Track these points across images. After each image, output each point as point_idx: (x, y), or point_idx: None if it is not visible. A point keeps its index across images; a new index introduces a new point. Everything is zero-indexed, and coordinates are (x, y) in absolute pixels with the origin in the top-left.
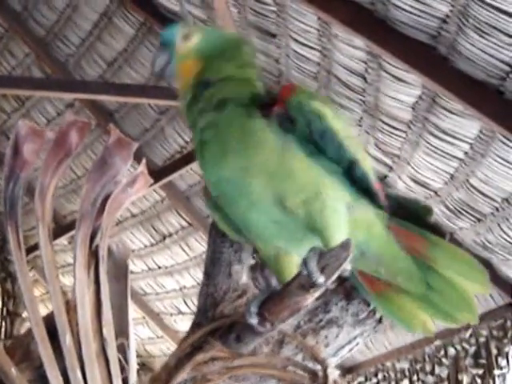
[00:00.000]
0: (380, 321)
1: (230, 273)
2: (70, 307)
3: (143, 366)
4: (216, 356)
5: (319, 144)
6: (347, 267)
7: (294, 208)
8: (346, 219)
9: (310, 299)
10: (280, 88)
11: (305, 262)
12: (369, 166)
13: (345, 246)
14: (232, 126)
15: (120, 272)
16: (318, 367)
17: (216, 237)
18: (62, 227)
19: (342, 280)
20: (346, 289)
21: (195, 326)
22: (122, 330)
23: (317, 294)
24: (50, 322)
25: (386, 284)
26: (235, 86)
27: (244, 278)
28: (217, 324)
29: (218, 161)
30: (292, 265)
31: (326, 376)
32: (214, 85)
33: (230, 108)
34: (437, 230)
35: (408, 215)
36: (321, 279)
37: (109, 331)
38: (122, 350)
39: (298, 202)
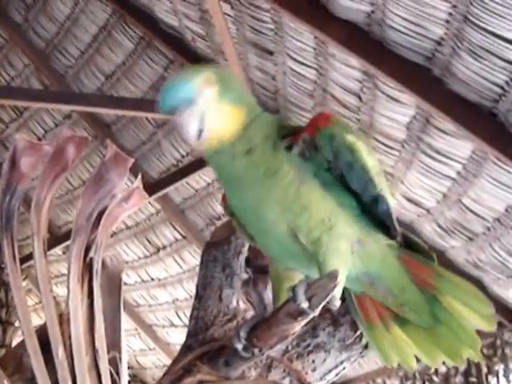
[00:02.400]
0: (366, 346)
1: (221, 297)
2: (63, 320)
3: (135, 378)
4: (204, 379)
5: (343, 175)
6: (336, 302)
7: (303, 239)
8: (349, 255)
9: (298, 327)
10: (315, 115)
11: (293, 291)
12: (392, 202)
13: (332, 276)
14: (256, 163)
15: (113, 285)
16: None
17: (208, 261)
18: (56, 237)
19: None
20: (334, 315)
21: (186, 348)
22: (114, 343)
23: (304, 322)
24: (42, 334)
25: (386, 314)
26: (261, 125)
27: (234, 302)
28: (206, 348)
29: (239, 191)
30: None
31: None
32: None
33: (258, 149)
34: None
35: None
36: (308, 308)
37: (101, 344)
38: (114, 363)
39: (306, 234)
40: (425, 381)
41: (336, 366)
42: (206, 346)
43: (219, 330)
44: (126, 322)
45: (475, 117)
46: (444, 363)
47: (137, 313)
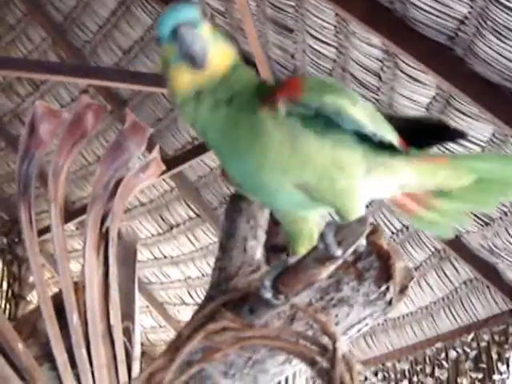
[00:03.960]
0: (390, 303)
1: (245, 248)
2: (78, 287)
3: (145, 355)
4: (227, 326)
5: (335, 120)
6: (363, 242)
7: (314, 192)
8: (360, 191)
9: (325, 273)
10: (286, 80)
11: (322, 236)
12: (390, 131)
13: (362, 221)
14: (240, 124)
15: (128, 256)
16: (328, 342)
17: (232, 212)
18: (70, 213)
19: (354, 260)
20: (358, 269)
21: (208, 298)
22: (128, 314)
23: (332, 267)
24: (57, 301)
25: (425, 197)
26: (239, 78)
27: (258, 254)
28: (230, 296)
29: (232, 159)
30: (311, 229)
31: (335, 349)
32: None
33: (237, 103)
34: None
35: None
36: (338, 252)
37: (115, 313)
38: (127, 333)
39: (316, 186)
40: (435, 366)
41: (359, 322)
42: (229, 294)
43: (243, 280)
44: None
45: (496, 98)
46: (454, 348)
47: (148, 290)
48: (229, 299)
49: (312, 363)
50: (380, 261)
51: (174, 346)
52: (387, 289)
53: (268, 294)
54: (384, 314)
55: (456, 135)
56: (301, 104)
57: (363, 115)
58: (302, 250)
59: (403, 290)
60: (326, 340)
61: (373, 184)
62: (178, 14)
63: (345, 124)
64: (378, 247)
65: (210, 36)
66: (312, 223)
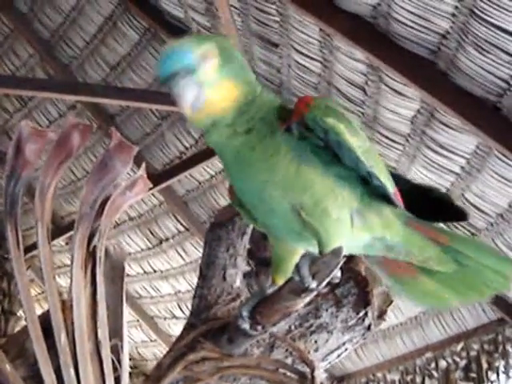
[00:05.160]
0: (369, 328)
1: (225, 276)
2: (66, 306)
3: (135, 369)
4: (207, 356)
5: (337, 152)
6: (338, 274)
7: (305, 215)
8: (348, 227)
9: (301, 304)
10: (297, 100)
11: (297, 268)
12: (386, 177)
13: (336, 253)
14: (256, 147)
15: (116, 274)
16: (307, 370)
17: (212, 241)
18: (59, 228)
19: (332, 287)
20: (336, 296)
21: (189, 326)
22: (116, 331)
23: (307, 299)
24: (45, 321)
25: (411, 269)
26: (261, 106)
27: (238, 282)
28: (210, 325)
29: (242, 176)
30: (293, 264)
31: (313, 378)
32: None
33: (256, 131)
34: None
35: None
36: (313, 284)
37: (103, 331)
38: (116, 350)
39: (307, 211)
40: (425, 376)
41: (338, 347)
42: (209, 323)
43: (222, 308)
44: (128, 314)
45: (480, 111)
46: (444, 358)
47: (139, 304)
48: (208, 329)
49: None
50: (358, 287)
51: (155, 377)
52: (366, 314)
53: (245, 325)
54: (363, 339)
55: (459, 215)
56: (306, 120)
57: (359, 147)
58: (280, 281)
59: (382, 314)
60: (305, 367)
61: (362, 227)
62: (173, 61)
63: (345, 158)
64: (356, 273)
65: (212, 76)
66: (297, 258)
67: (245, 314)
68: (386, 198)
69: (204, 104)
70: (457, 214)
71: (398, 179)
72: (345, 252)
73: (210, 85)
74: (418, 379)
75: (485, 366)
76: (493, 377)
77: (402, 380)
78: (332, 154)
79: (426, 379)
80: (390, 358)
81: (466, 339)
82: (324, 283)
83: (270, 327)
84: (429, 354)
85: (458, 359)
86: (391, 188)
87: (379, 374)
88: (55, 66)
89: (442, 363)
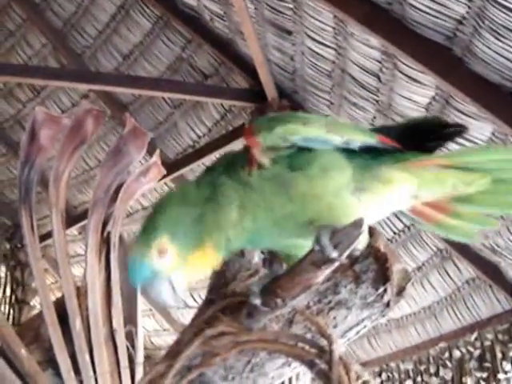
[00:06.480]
0: (388, 305)
1: (243, 252)
2: (81, 292)
3: (148, 358)
4: (225, 331)
5: (310, 147)
6: (359, 247)
7: (315, 220)
8: (357, 207)
9: (322, 276)
10: (244, 138)
11: (317, 239)
12: (362, 133)
13: (357, 225)
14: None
15: None
16: (326, 344)
17: None
18: (72, 217)
19: (351, 263)
20: (356, 272)
21: (207, 302)
22: (130, 318)
23: (328, 270)
24: (60, 307)
25: (444, 204)
26: (227, 193)
27: (256, 257)
28: (228, 301)
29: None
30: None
31: (331, 351)
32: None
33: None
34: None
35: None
36: (334, 254)
37: (118, 317)
38: (130, 337)
39: (316, 215)
40: (439, 365)
41: (357, 324)
42: (227, 299)
43: (240, 284)
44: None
45: (496, 98)
46: (458, 348)
47: None
48: (227, 304)
49: (310, 365)
50: (377, 263)
51: (174, 352)
52: (385, 291)
53: (257, 301)
54: (382, 316)
55: (457, 131)
56: (264, 145)
57: (320, 129)
58: None
59: (401, 291)
60: (323, 342)
61: (372, 198)
62: (137, 274)
63: (319, 146)
64: (375, 249)
65: (177, 261)
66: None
67: (255, 289)
68: (376, 153)
69: (184, 283)
70: (455, 132)
71: (384, 129)
72: (373, 221)
73: (179, 268)
74: (432, 369)
75: (499, 355)
76: (507, 367)
77: (416, 370)
78: (309, 151)
79: (440, 369)
80: (404, 348)
81: (480, 329)
82: (345, 254)
83: (290, 300)
84: (442, 344)
85: (471, 349)
86: (372, 138)
87: (393, 364)
88: (68, 55)
89: (456, 353)
